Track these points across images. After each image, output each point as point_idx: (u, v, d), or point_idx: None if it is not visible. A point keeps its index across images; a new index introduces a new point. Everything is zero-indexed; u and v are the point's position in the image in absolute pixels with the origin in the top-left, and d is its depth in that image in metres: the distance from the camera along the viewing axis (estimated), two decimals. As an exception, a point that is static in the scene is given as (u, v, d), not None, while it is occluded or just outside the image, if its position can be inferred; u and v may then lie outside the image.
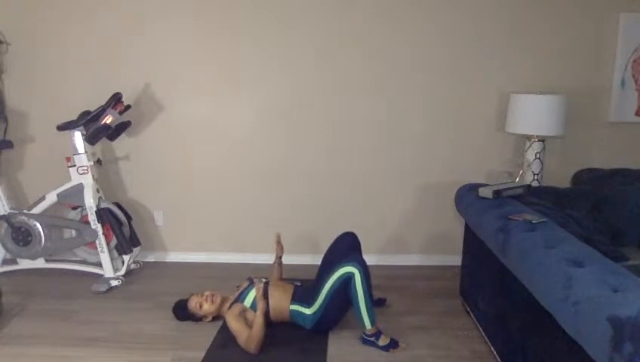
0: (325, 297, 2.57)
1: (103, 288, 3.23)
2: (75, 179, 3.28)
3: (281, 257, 3.07)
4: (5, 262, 3.47)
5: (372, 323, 2.56)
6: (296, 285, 2.79)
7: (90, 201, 3.24)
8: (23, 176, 3.70)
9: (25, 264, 3.44)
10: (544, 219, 2.18)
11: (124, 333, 2.74)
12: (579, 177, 3.20)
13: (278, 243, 3.05)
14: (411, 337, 2.67)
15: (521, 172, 3.30)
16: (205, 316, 2.80)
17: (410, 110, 3.49)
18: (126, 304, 3.08)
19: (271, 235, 3.46)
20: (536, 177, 3.23)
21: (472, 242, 2.75)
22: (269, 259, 3.15)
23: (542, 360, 1.88)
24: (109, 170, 3.66)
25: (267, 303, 2.62)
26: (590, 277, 1.57)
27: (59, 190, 3.31)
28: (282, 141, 3.57)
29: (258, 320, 2.50)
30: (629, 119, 3.44)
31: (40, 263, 3.44)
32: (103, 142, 3.50)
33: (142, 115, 3.55)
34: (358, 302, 2.51)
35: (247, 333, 2.50)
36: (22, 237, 3.32)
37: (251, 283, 2.78)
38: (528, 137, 3.23)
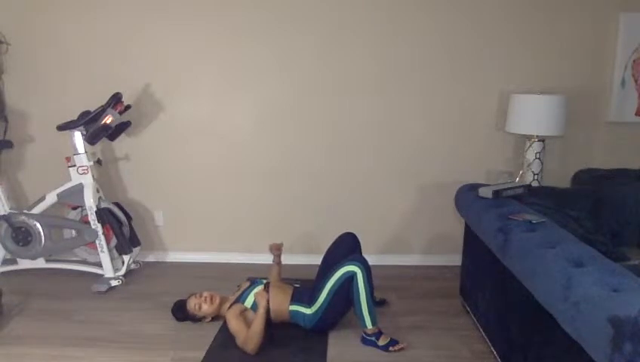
0: (326, 296, 2.56)
1: (103, 288, 3.23)
2: (75, 179, 3.28)
3: (279, 257, 3.07)
4: (5, 262, 3.47)
5: (373, 323, 2.56)
6: (295, 286, 2.79)
7: (90, 201, 3.24)
8: (23, 176, 3.70)
9: (25, 264, 3.43)
10: (544, 219, 2.18)
11: (124, 333, 2.74)
12: (579, 177, 3.19)
13: (277, 248, 3.04)
14: (411, 337, 2.67)
15: (521, 172, 3.30)
16: (204, 317, 2.80)
17: (410, 110, 3.49)
18: (126, 304, 3.08)
19: (271, 235, 3.47)
20: (536, 177, 3.23)
21: (472, 242, 2.75)
22: (269, 259, 3.15)
23: (542, 360, 1.88)
24: (109, 170, 3.66)
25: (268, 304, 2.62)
26: (590, 277, 1.57)
27: (59, 190, 3.31)
28: (282, 141, 3.57)
29: (259, 319, 2.50)
30: (629, 119, 3.44)
31: (40, 263, 3.43)
32: (103, 142, 3.49)
33: (142, 115, 3.54)
34: (359, 302, 2.51)
35: (246, 333, 2.50)
36: (22, 237, 3.32)
37: (252, 284, 2.78)
38: (528, 137, 3.23)
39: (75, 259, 3.59)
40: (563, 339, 1.61)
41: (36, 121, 3.58)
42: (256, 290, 2.70)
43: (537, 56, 3.38)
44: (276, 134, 3.56)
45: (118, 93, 3.20)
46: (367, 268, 2.53)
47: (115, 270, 3.36)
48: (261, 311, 2.52)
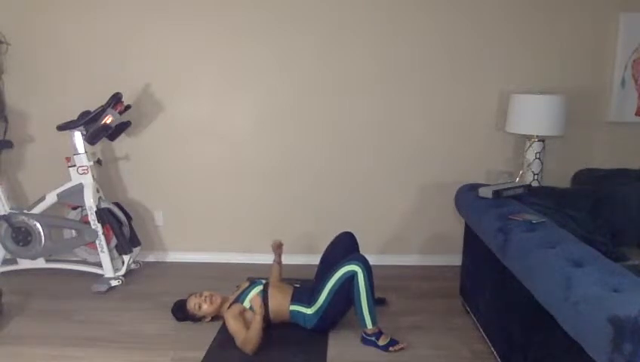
0: (327, 296, 2.57)
1: (103, 288, 3.23)
2: (75, 179, 3.28)
3: (280, 256, 3.07)
4: (5, 262, 3.47)
5: (373, 323, 2.56)
6: (295, 286, 2.79)
7: (90, 201, 3.24)
8: (23, 176, 3.70)
9: (25, 264, 3.43)
10: (544, 219, 2.18)
11: (124, 333, 2.74)
12: (579, 177, 3.20)
13: (279, 246, 3.05)
14: (411, 337, 2.67)
15: (521, 172, 3.30)
16: (204, 316, 2.80)
17: (410, 110, 3.49)
18: (126, 304, 3.08)
19: (271, 235, 3.47)
20: (536, 177, 3.23)
21: (472, 242, 2.75)
22: (269, 259, 3.14)
23: (542, 360, 1.88)
24: (109, 170, 3.66)
25: (266, 310, 2.62)
26: (590, 277, 1.57)
27: (59, 190, 3.31)
28: (282, 141, 3.57)
29: (256, 324, 2.50)
30: (629, 119, 3.44)
31: (40, 263, 3.43)
32: (103, 142, 3.49)
33: (142, 115, 3.54)
34: (360, 301, 2.51)
35: (245, 334, 2.51)
36: (22, 237, 3.32)
37: (252, 284, 2.79)
38: (528, 137, 3.23)
39: (75, 259, 3.58)
40: (563, 339, 1.61)
41: (36, 121, 3.58)
42: (255, 290, 2.70)
43: (537, 56, 3.38)
44: (276, 134, 3.56)
45: (118, 93, 3.20)
46: (367, 268, 2.53)
47: (115, 270, 3.36)
48: (257, 317, 2.53)
